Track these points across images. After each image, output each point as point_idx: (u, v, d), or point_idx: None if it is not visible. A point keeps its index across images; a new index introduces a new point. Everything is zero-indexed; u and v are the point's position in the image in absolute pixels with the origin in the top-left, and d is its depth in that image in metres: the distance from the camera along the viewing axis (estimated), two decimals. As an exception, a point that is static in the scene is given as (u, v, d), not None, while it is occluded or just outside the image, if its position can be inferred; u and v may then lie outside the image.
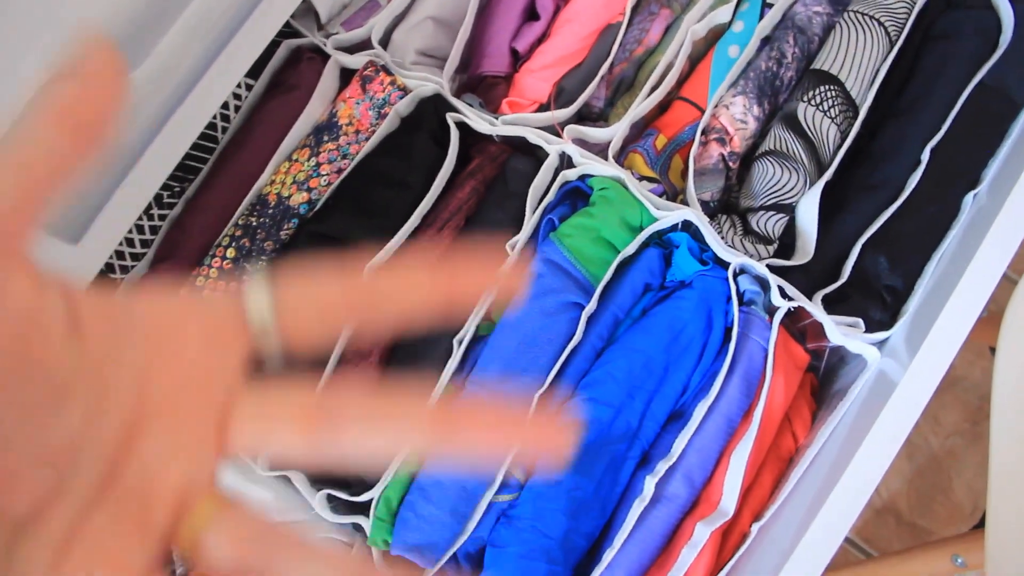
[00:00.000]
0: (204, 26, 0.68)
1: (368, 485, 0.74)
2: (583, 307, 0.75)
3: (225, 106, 0.81)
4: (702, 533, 0.72)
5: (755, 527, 0.73)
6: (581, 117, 0.86)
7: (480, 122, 0.81)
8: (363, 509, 0.75)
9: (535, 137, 0.80)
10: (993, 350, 0.99)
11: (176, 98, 0.65)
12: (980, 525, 1.17)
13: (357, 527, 0.77)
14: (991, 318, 1.01)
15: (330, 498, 0.76)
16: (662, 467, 0.72)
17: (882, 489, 1.21)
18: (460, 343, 0.75)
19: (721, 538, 0.74)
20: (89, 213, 0.61)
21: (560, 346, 0.74)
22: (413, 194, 0.78)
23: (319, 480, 0.77)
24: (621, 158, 0.83)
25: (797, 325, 0.80)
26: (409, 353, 0.76)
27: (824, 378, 0.84)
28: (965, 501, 1.20)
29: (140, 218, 0.78)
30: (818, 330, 0.78)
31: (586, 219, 0.77)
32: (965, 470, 1.21)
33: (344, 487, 0.76)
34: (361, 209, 0.78)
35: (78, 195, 0.60)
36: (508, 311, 0.75)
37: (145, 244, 0.80)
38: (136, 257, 0.79)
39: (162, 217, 0.80)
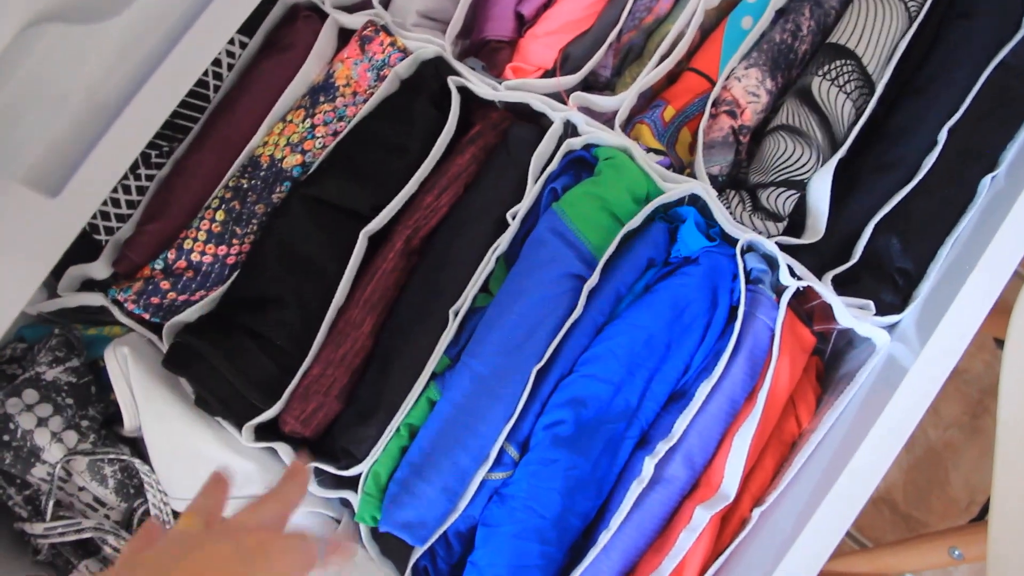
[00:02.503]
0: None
1: (357, 458, 0.72)
2: (584, 280, 0.72)
3: (217, 64, 0.78)
4: (701, 517, 0.69)
5: (756, 512, 0.71)
6: (587, 86, 0.83)
7: (483, 87, 0.78)
8: (352, 483, 0.73)
9: (539, 104, 0.77)
10: (998, 342, 0.97)
11: (161, 51, 0.62)
12: (976, 519, 1.15)
13: (345, 502, 0.74)
14: (996, 309, 0.98)
15: (317, 471, 0.73)
16: (662, 448, 0.70)
17: (879, 480, 1.19)
18: (456, 314, 0.72)
19: (720, 522, 0.72)
20: (69, 166, 0.58)
21: (559, 320, 0.72)
22: (411, 159, 0.75)
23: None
24: (628, 129, 0.80)
25: (804, 306, 0.78)
26: (403, 323, 0.74)
27: (830, 361, 0.81)
28: (961, 495, 1.18)
29: (126, 177, 0.75)
30: (826, 312, 0.75)
31: (591, 187, 0.74)
32: (963, 464, 1.18)
33: (332, 460, 0.73)
34: (356, 173, 0.75)
35: (58, 147, 0.57)
36: (507, 282, 0.73)
37: (131, 205, 0.76)
38: (122, 218, 0.76)
39: (149, 177, 0.77)
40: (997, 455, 0.86)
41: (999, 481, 0.87)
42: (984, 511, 1.10)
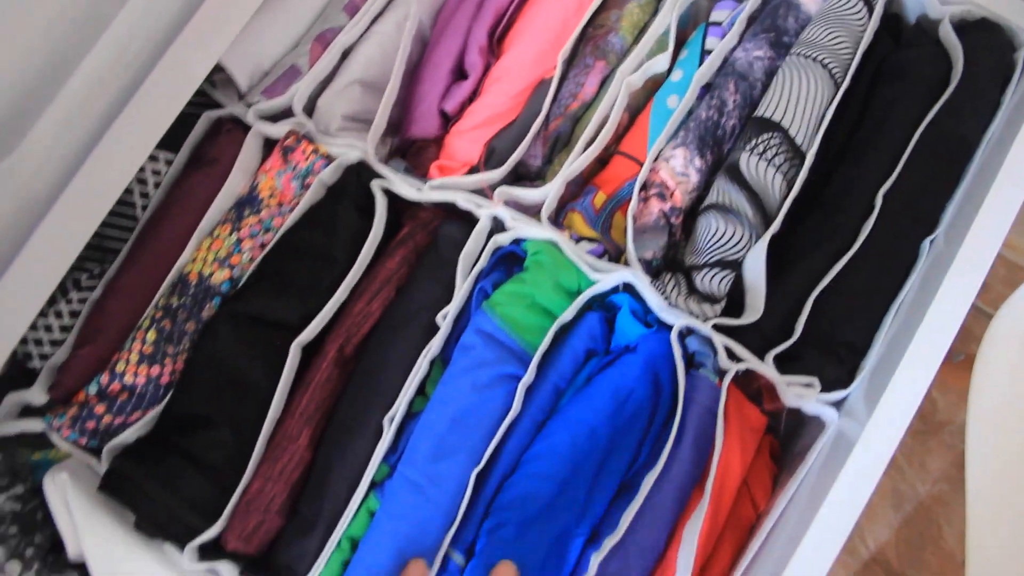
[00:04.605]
0: (92, 99, 0.65)
1: (300, 575, 0.70)
2: (520, 378, 0.71)
3: (144, 182, 0.78)
4: (656, 613, 0.68)
5: (712, 605, 0.69)
6: (519, 177, 0.83)
7: (407, 188, 0.77)
8: (296, 600, 0.71)
9: (464, 202, 0.76)
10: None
11: (68, 176, 0.62)
12: None
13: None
14: (970, 362, 0.96)
15: (262, 591, 0.72)
16: (608, 543, 0.68)
17: (869, 540, 1.15)
18: (391, 421, 0.71)
19: (678, 617, 0.70)
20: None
21: (495, 421, 0.70)
22: (339, 267, 0.75)
23: (250, 570, 0.73)
24: (560, 217, 0.79)
25: (753, 385, 0.76)
26: (339, 434, 0.73)
27: (785, 439, 0.79)
28: (956, 549, 1.14)
29: (57, 302, 0.75)
30: (774, 390, 0.74)
31: (519, 285, 0.73)
32: (955, 517, 1.15)
33: (275, 577, 0.72)
34: (284, 285, 0.74)
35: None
36: (438, 388, 0.72)
37: (64, 329, 0.76)
38: (56, 343, 0.76)
39: (82, 300, 0.77)
40: (969, 507, 0.85)
41: (973, 534, 0.85)
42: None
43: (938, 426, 1.16)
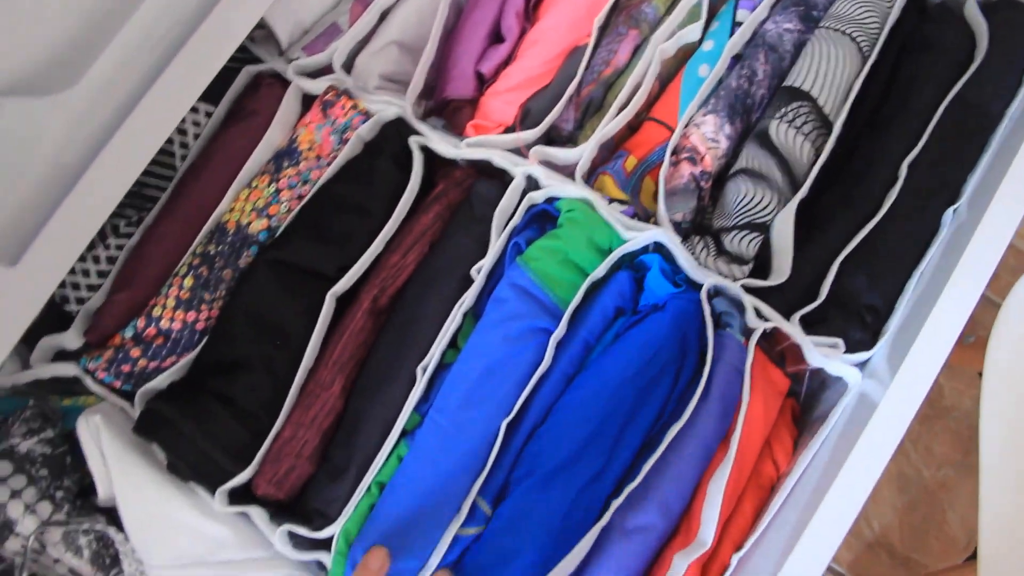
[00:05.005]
0: (143, 48, 0.66)
1: (330, 519, 0.71)
2: (551, 332, 0.73)
3: (184, 133, 0.80)
4: (680, 565, 0.68)
5: (735, 558, 0.70)
6: (550, 141, 0.84)
7: (444, 145, 0.79)
8: (326, 545, 0.72)
9: (500, 159, 0.78)
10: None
11: (119, 121, 0.63)
12: (971, 557, 1.13)
13: (320, 565, 0.73)
14: (979, 344, 0.98)
15: (291, 535, 0.72)
16: (626, 490, 0.69)
17: (874, 522, 1.17)
18: (424, 371, 0.72)
19: (701, 570, 0.71)
20: (27, 235, 0.58)
21: (525, 373, 0.72)
22: (375, 220, 0.76)
23: (279, 515, 0.74)
24: (591, 180, 0.81)
25: (776, 348, 0.78)
26: (372, 383, 0.74)
27: (806, 403, 0.81)
28: (959, 534, 1.16)
29: (95, 247, 0.76)
30: (797, 353, 0.75)
31: (553, 241, 0.75)
32: (958, 502, 1.17)
33: (306, 522, 0.73)
34: (321, 236, 0.75)
35: (15, 217, 0.58)
36: (472, 338, 0.73)
37: (102, 275, 0.77)
38: (92, 288, 0.77)
39: (119, 247, 0.78)
40: (981, 493, 0.86)
41: (985, 517, 0.86)
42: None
43: (944, 411, 1.18)
